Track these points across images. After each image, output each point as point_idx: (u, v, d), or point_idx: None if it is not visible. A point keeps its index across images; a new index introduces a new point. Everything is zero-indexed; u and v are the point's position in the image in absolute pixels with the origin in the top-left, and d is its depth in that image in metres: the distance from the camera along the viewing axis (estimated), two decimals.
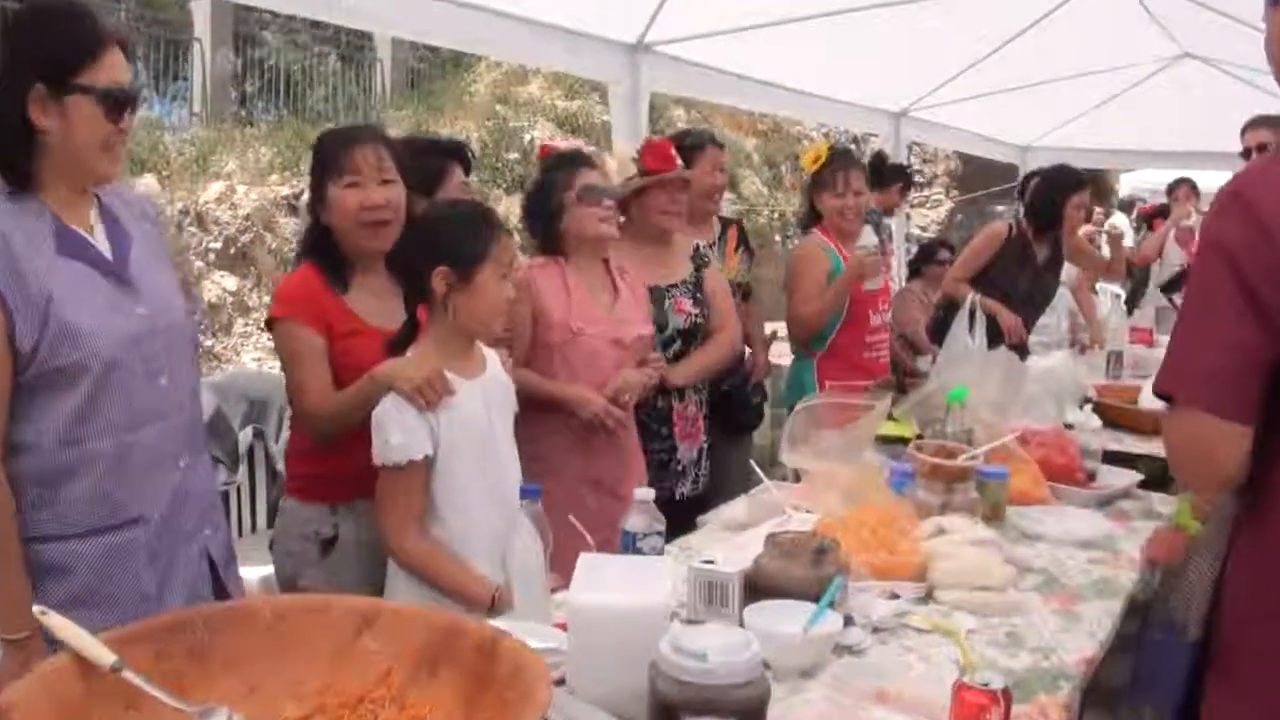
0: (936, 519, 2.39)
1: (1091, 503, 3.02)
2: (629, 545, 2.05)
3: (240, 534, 4.43)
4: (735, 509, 2.68)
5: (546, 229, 3.32)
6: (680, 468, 3.58)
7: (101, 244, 2.09)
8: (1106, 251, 6.86)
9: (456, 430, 2.42)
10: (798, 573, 1.94)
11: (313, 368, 2.61)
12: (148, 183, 7.96)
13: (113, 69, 2.02)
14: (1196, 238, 7.99)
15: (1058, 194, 5.38)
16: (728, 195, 13.62)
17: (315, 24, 12.93)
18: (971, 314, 4.99)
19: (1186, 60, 7.08)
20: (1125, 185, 14.43)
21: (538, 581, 1.98)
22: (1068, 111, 8.55)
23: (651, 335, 3.36)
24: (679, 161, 3.68)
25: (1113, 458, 3.51)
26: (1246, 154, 4.20)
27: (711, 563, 2.04)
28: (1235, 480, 1.55)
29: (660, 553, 2.08)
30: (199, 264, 7.26)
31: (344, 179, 2.62)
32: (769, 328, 4.80)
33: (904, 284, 6.91)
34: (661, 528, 2.08)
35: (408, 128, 10.65)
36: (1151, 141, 9.27)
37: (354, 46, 14.36)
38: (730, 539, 2.50)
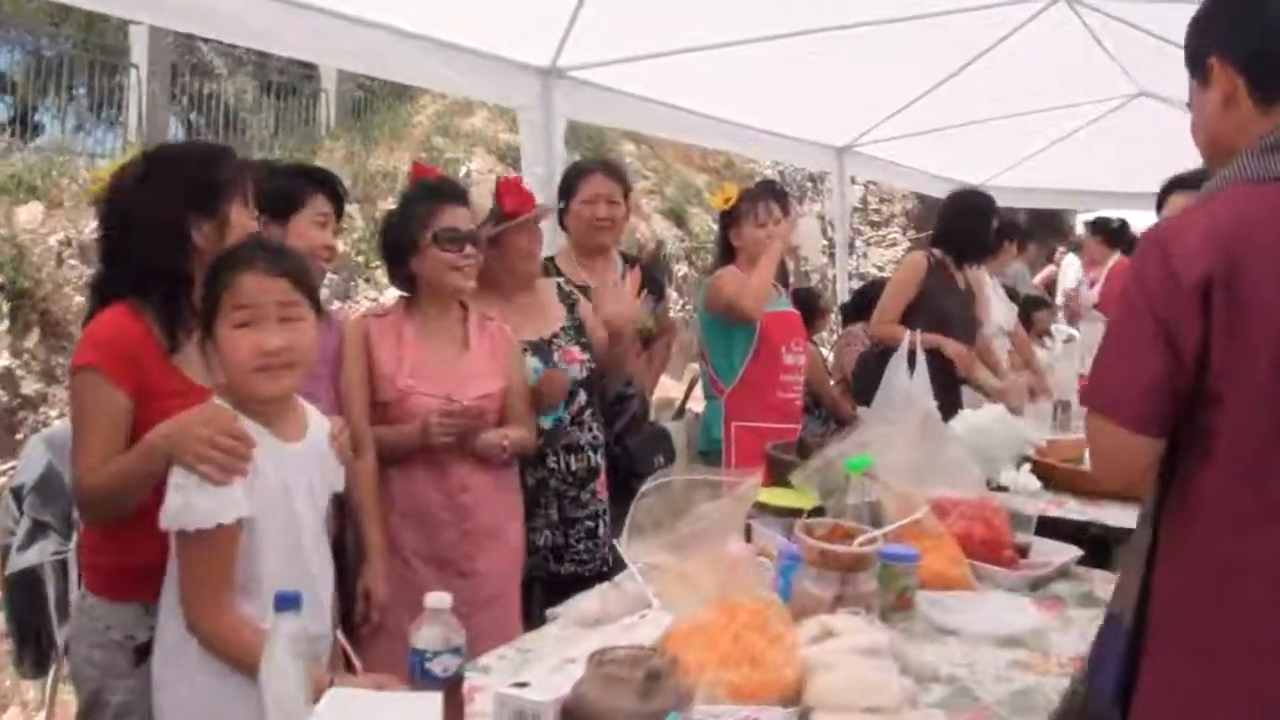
0: (823, 618, 1.97)
1: (1020, 586, 2.61)
2: (417, 668, 1.63)
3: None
4: (590, 600, 2.25)
5: (396, 266, 2.95)
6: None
7: None
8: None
9: (259, 499, 2.01)
10: (623, 704, 1.52)
11: (101, 432, 2.16)
12: (30, 211, 7.49)
13: None
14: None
15: (978, 222, 5.14)
16: (675, 232, 13.34)
17: (259, 52, 12.64)
18: (911, 353, 4.64)
19: (1143, 99, 6.90)
20: (1082, 226, 14.17)
21: (297, 715, 1.55)
22: (1022, 150, 8.34)
23: (501, 393, 2.98)
24: (537, 200, 3.32)
25: (1052, 527, 3.12)
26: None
27: (525, 685, 1.62)
28: (1140, 481, 1.84)
29: (458, 676, 1.66)
30: (77, 299, 6.78)
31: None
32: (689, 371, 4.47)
33: (842, 328, 6.54)
34: (460, 642, 1.65)
35: (340, 158, 10.26)
36: (1109, 182, 9.01)
37: (299, 76, 14.03)
38: (583, 639, 2.08)
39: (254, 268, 2.04)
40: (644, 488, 2.00)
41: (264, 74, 14.24)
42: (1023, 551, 2.80)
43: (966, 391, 5.05)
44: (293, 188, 2.83)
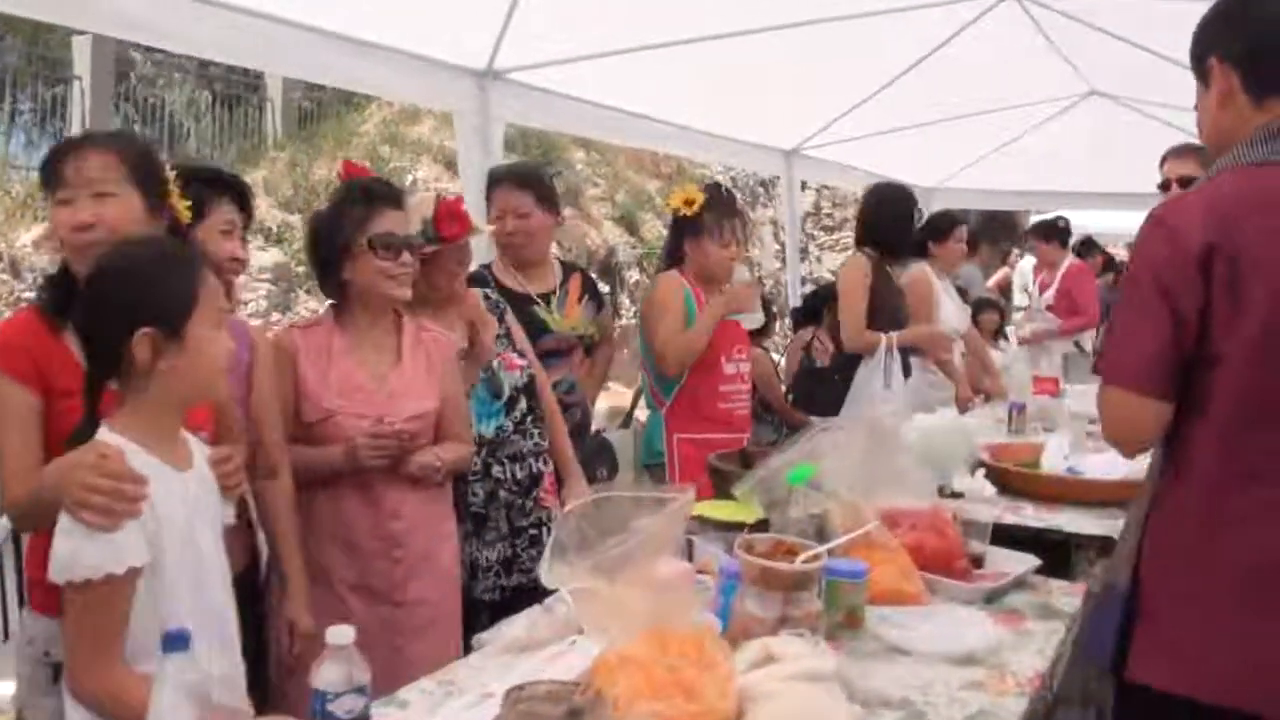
0: (765, 641, 1.84)
1: (976, 599, 2.49)
2: (318, 710, 1.48)
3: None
4: (517, 626, 2.10)
5: (326, 272, 2.78)
6: None
7: None
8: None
9: (162, 537, 1.86)
10: None
11: (14, 433, 2.06)
12: None
13: None
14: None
15: (899, 215, 5.04)
16: (627, 239, 13.21)
17: (204, 63, 12.44)
18: (905, 360, 4.59)
19: (1094, 98, 6.83)
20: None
21: None
22: (973, 151, 8.28)
23: (435, 411, 2.84)
24: (472, 222, 3.16)
25: (1008, 535, 3.01)
26: (1166, 186, 3.82)
27: None
28: (1149, 445, 1.97)
29: (362, 718, 1.51)
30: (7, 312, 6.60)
31: (56, 194, 2.16)
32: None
33: (793, 333, 6.41)
34: (364, 681, 1.51)
35: (284, 168, 10.07)
36: (1062, 182, 8.99)
37: (244, 86, 13.84)
38: (509, 668, 1.94)
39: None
40: (568, 506, 1.85)
41: (209, 84, 14.02)
42: (977, 562, 2.69)
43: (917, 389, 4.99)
44: (192, 195, 2.54)
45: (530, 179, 3.82)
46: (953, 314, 5.63)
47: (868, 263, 4.91)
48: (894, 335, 4.68)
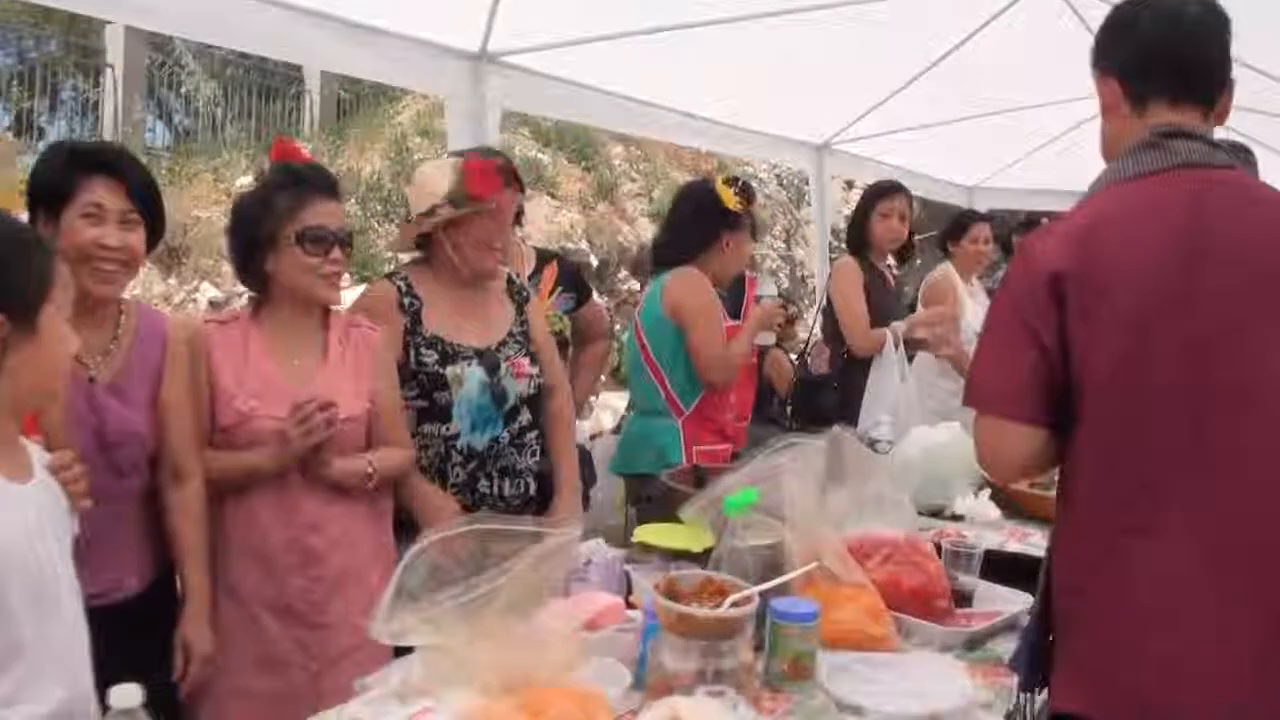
0: (673, 702, 1.55)
1: (956, 643, 2.19)
2: None
3: None
4: (398, 671, 1.81)
5: (247, 261, 2.53)
6: None
7: None
8: None
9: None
10: None
11: None
12: None
13: None
14: None
15: (859, 208, 4.81)
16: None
17: (243, 54, 12.36)
18: (896, 349, 4.31)
19: None
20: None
21: None
22: (1015, 150, 7.91)
23: (365, 415, 2.58)
24: (504, 185, 2.92)
25: (1008, 568, 2.70)
26: None
27: None
28: (1026, 471, 1.93)
29: None
30: None
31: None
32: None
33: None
34: None
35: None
36: None
37: (283, 79, 13.73)
38: (388, 715, 1.67)
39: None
40: (421, 541, 1.55)
41: (248, 76, 13.93)
42: (965, 599, 2.39)
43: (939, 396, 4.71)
44: (57, 175, 2.25)
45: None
46: (978, 318, 5.28)
47: (858, 264, 4.64)
48: (897, 326, 4.38)
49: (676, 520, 2.18)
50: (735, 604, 1.69)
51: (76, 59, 13.20)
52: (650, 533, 2.22)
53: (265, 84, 13.76)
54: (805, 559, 2.05)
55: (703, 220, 3.88)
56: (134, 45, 12.49)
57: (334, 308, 2.67)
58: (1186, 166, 1.78)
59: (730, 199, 3.82)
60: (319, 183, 2.58)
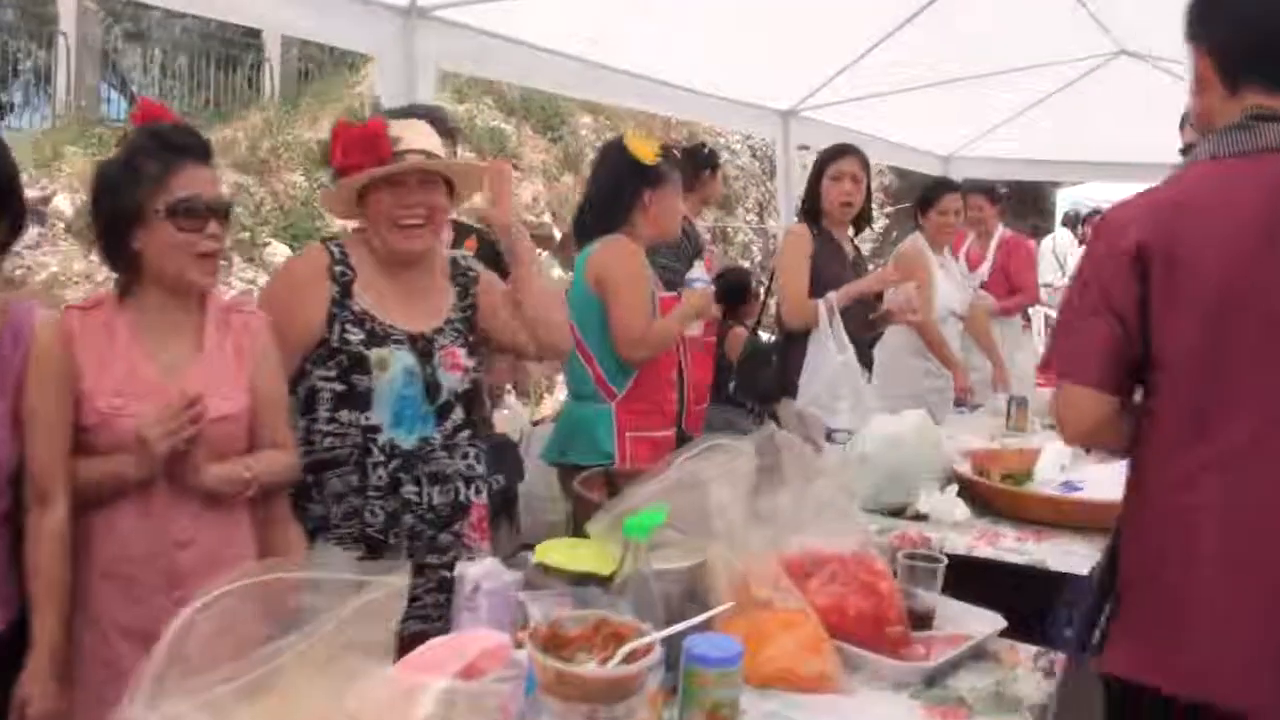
0: None
1: (912, 680, 1.88)
2: None
3: None
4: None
5: (110, 238, 2.19)
6: None
7: None
8: None
9: None
10: None
11: None
12: None
13: None
14: None
15: (812, 173, 4.42)
16: None
17: (200, 20, 11.99)
18: (832, 321, 3.97)
19: (1123, 59, 6.21)
20: (1066, 200, 13.37)
21: None
22: (991, 118, 7.67)
23: (246, 412, 2.26)
24: (392, 149, 2.52)
25: (978, 576, 2.40)
26: (1187, 151, 3.24)
27: None
28: (1093, 436, 2.06)
29: None
30: None
31: None
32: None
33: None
34: None
35: (257, 126, 9.57)
36: (1089, 152, 8.31)
37: (242, 46, 13.33)
38: None
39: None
40: (207, 595, 1.20)
41: (208, 45, 13.52)
42: (924, 620, 2.07)
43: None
44: None
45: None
46: (951, 296, 4.97)
47: (807, 230, 4.29)
48: (831, 297, 4.01)
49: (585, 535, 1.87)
50: (630, 656, 1.36)
51: (31, 28, 12.82)
52: (551, 551, 1.89)
53: (226, 53, 13.41)
54: (733, 583, 1.74)
55: (619, 181, 3.56)
56: (87, 13, 12.09)
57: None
58: (1276, 150, 1.78)
59: (644, 151, 3.50)
60: (191, 147, 2.23)
